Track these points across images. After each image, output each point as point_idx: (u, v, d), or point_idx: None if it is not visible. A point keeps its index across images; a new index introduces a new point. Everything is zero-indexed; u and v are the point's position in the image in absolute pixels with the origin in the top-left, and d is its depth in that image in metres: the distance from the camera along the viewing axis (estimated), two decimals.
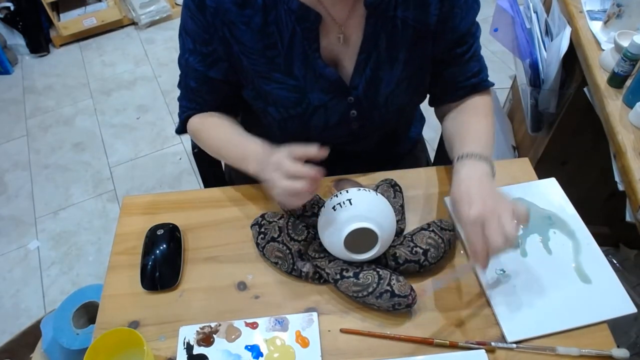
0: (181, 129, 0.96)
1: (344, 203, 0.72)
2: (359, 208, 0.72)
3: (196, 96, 0.90)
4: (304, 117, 0.86)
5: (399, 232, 0.82)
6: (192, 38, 0.82)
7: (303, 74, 0.81)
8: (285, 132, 0.89)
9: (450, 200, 0.76)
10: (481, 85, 0.90)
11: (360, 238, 0.71)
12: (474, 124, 0.86)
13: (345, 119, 0.87)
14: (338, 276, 0.74)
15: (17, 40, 2.71)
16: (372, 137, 0.95)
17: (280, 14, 0.76)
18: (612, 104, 1.04)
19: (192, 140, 1.00)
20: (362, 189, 0.75)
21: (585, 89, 1.18)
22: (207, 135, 0.91)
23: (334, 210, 0.73)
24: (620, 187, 0.97)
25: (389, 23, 0.79)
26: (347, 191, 0.74)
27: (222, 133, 0.89)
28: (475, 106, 0.89)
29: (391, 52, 0.81)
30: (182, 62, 0.87)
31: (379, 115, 0.88)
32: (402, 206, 0.85)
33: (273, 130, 0.91)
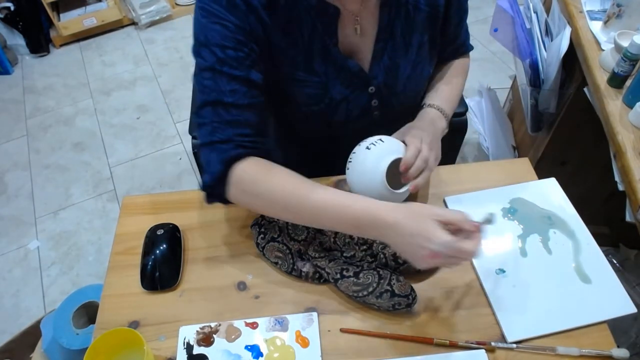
0: (221, 175, 0.72)
1: (376, 142, 0.76)
2: (391, 144, 0.77)
3: (235, 117, 0.72)
4: (326, 113, 0.86)
5: None
6: (222, 46, 0.72)
7: (324, 70, 0.81)
8: (306, 128, 0.90)
9: (406, 128, 0.84)
10: (464, 51, 0.99)
11: (390, 176, 0.75)
12: (447, 83, 0.94)
13: (367, 110, 0.89)
14: (338, 276, 0.74)
15: (17, 40, 2.70)
16: (390, 128, 0.96)
17: (300, 12, 0.76)
18: (612, 104, 1.04)
19: (194, 141, 0.97)
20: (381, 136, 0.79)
21: (585, 89, 1.18)
22: (276, 189, 0.70)
23: (368, 149, 0.76)
24: (620, 187, 0.97)
25: (402, 10, 0.81)
26: (372, 136, 0.79)
27: (307, 191, 0.69)
28: (451, 66, 0.97)
29: (405, 38, 0.83)
30: (209, 82, 0.72)
31: (398, 101, 0.90)
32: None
33: (293, 126, 0.91)
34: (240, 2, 0.72)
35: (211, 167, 0.72)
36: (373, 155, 0.75)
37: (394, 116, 0.92)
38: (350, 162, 0.78)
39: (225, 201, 0.75)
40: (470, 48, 1.00)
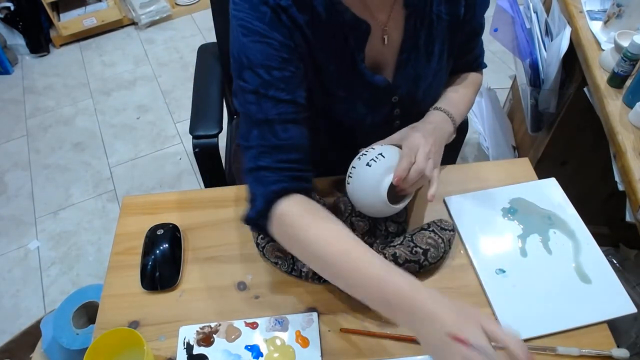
0: (264, 211, 0.69)
1: (376, 157, 0.74)
2: (391, 158, 0.74)
3: (282, 141, 0.70)
4: (351, 124, 0.86)
5: (401, 232, 0.82)
6: (266, 66, 0.69)
7: (351, 86, 0.81)
8: (328, 135, 0.90)
9: (408, 128, 0.81)
10: (477, 66, 0.97)
11: (391, 186, 0.73)
12: (456, 91, 0.92)
13: (390, 119, 0.88)
14: None
15: (17, 40, 2.70)
16: None
17: (335, 28, 0.75)
18: (612, 104, 1.04)
19: (194, 141, 0.96)
20: (381, 144, 0.78)
21: (585, 89, 1.18)
22: (319, 240, 0.65)
23: (369, 166, 0.74)
24: (620, 187, 0.97)
25: (426, 19, 0.80)
26: (373, 148, 0.76)
27: (351, 251, 0.64)
28: (464, 77, 0.95)
29: (428, 47, 0.83)
30: (253, 107, 0.70)
31: (417, 109, 0.89)
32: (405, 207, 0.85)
33: (316, 133, 0.90)
34: (285, 18, 0.69)
35: (256, 203, 0.70)
36: (373, 173, 0.73)
37: (412, 123, 0.92)
38: (350, 177, 0.77)
39: (267, 234, 0.73)
40: (484, 66, 0.98)
